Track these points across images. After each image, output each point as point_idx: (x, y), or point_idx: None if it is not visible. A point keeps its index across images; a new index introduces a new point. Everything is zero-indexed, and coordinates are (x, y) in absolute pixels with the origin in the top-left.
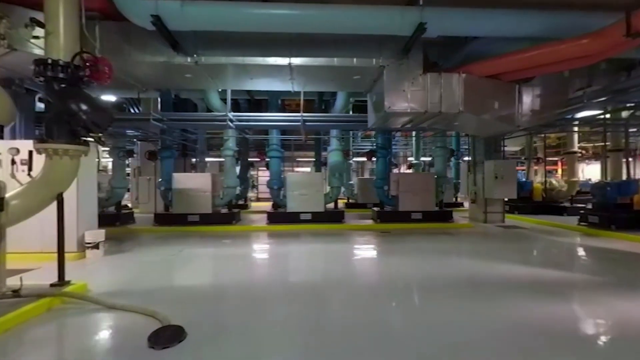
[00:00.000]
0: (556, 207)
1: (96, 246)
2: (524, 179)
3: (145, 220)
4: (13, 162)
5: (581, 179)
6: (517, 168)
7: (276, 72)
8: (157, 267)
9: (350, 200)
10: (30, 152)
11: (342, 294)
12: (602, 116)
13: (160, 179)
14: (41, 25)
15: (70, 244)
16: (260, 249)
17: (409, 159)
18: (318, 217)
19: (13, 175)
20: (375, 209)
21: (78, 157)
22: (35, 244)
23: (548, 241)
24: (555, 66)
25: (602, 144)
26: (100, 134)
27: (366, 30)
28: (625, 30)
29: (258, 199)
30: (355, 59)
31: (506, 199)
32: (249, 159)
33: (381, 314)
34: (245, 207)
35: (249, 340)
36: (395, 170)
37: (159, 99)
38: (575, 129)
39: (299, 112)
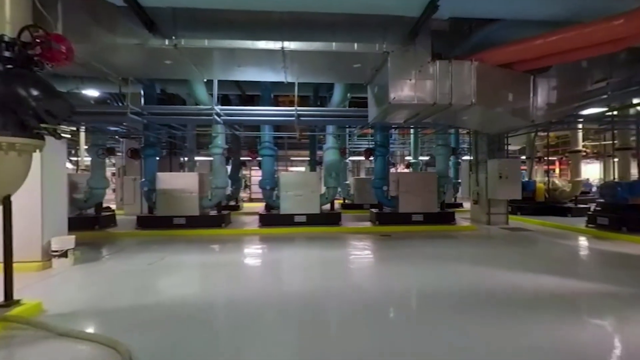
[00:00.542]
0: (560, 207)
1: (64, 254)
2: (526, 179)
3: (130, 223)
4: None
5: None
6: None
7: (267, 59)
8: (131, 279)
9: (346, 201)
10: None
11: (342, 316)
12: (609, 113)
13: (143, 179)
14: None
15: (33, 253)
16: (250, 256)
17: (407, 158)
18: (313, 220)
19: None
20: (373, 210)
21: (29, 153)
22: None
23: (559, 245)
24: (580, 52)
25: (603, 142)
26: (56, 126)
27: (369, 9)
28: None
29: (251, 200)
30: (356, 44)
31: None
32: (241, 158)
33: (391, 342)
34: (236, 208)
35: None
36: (392, 170)
37: (142, 93)
38: (580, 126)
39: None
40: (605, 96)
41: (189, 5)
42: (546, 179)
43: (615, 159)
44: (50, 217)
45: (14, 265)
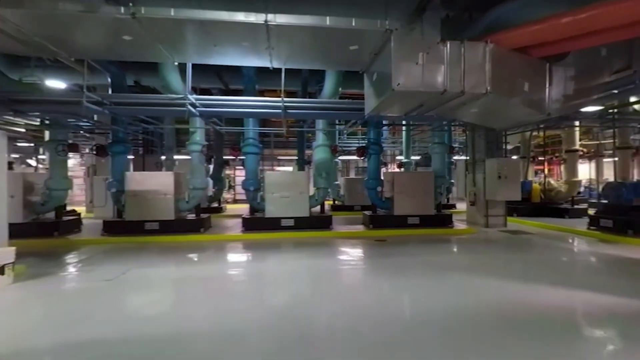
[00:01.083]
0: (556, 209)
1: (1, 270)
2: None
3: (98, 228)
4: None
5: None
6: None
7: (249, 36)
8: (77, 303)
9: (336, 202)
10: None
11: (338, 354)
12: (611, 110)
13: (111, 179)
14: None
15: None
16: (230, 268)
17: (397, 157)
18: (302, 224)
19: None
20: (367, 213)
21: None
22: None
23: (565, 251)
24: (615, 33)
25: (596, 142)
26: None
27: None
28: None
29: (235, 201)
30: (353, 20)
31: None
32: (225, 157)
33: None
34: (219, 210)
35: None
36: (383, 170)
37: (110, 81)
38: (577, 124)
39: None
40: (632, 86)
41: None
42: (542, 179)
43: (608, 160)
44: None
45: None
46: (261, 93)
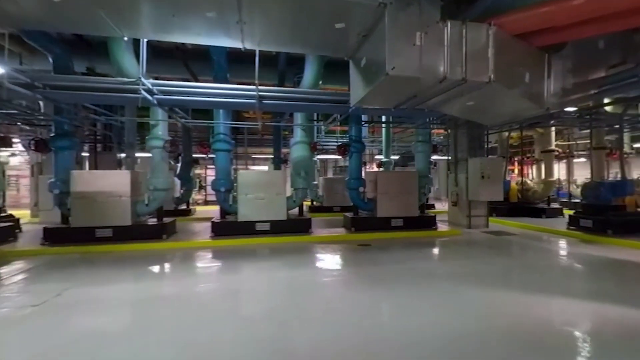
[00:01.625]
0: (534, 208)
1: None
2: None
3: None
4: None
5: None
6: None
7: (214, 4)
8: None
9: (314, 203)
10: None
11: None
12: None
13: (53, 179)
14: None
15: None
16: (194, 284)
17: (376, 157)
18: (279, 227)
19: None
20: (348, 215)
21: None
22: None
23: (555, 254)
24: (629, 19)
25: (567, 143)
26: None
27: None
28: None
29: (207, 202)
30: None
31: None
32: (194, 154)
33: None
34: (187, 213)
35: None
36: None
37: (52, 64)
38: (553, 124)
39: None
40: (635, 79)
41: None
42: (519, 179)
43: (578, 160)
44: None
45: None
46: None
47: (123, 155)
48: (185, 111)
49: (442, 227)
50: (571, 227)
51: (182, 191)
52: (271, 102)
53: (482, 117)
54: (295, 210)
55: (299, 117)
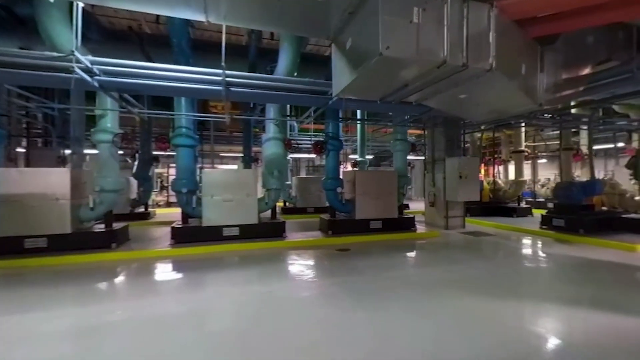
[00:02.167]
0: (505, 208)
1: None
2: None
3: None
4: None
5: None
6: None
7: None
8: None
9: (287, 205)
10: None
11: None
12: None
13: None
14: None
15: None
16: (144, 306)
17: (350, 156)
18: (249, 232)
19: None
20: (325, 217)
21: None
22: None
23: (536, 255)
24: (634, 6)
25: (532, 144)
26: None
27: None
28: None
29: (169, 204)
30: None
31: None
32: (154, 152)
33: None
34: (146, 216)
35: None
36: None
37: None
38: (523, 125)
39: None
40: (629, 75)
41: None
42: (489, 179)
43: (542, 161)
44: None
45: None
46: None
47: (68, 151)
48: (141, 101)
49: (420, 228)
50: (544, 227)
51: (139, 192)
52: (241, 90)
53: (468, 113)
54: (268, 213)
55: (271, 111)
